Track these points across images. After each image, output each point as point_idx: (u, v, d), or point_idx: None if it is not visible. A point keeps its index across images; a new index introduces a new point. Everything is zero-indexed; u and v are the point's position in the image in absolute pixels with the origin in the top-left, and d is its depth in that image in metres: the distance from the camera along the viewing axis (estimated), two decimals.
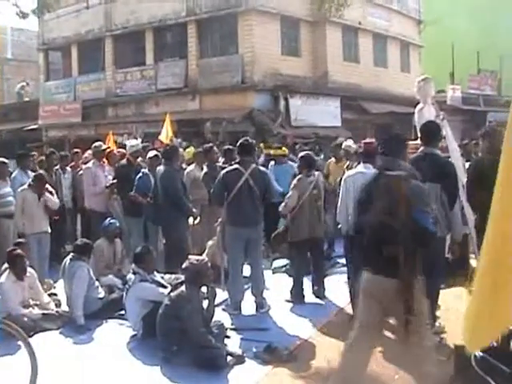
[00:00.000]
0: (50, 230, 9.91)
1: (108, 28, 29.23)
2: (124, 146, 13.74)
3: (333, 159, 12.02)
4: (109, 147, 12.82)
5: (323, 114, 26.13)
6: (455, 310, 7.62)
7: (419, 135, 10.94)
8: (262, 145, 14.68)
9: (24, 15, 15.94)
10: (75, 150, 13.64)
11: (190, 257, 6.92)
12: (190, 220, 9.81)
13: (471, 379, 3.27)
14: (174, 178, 9.27)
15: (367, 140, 8.80)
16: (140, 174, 10.14)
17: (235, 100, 24.43)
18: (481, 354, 3.26)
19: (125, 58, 28.59)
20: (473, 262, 9.55)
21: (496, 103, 36.39)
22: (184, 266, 6.71)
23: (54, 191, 10.16)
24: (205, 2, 25.72)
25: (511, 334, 3.26)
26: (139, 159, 11.02)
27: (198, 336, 6.27)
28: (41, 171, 10.47)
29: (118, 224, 9.78)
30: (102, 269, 9.11)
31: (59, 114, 29.77)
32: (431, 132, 6.90)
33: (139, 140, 11.80)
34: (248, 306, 8.26)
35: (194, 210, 9.67)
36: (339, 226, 7.79)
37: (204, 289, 6.81)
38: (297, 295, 8.69)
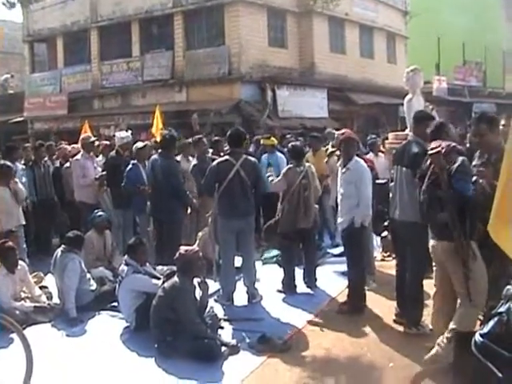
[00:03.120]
0: (24, 223, 9.91)
1: (94, 19, 29.05)
2: (110, 138, 13.73)
3: (310, 151, 11.97)
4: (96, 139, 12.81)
5: (310, 105, 26.21)
6: None
7: (408, 125, 11.02)
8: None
9: (11, 5, 15.81)
10: (50, 142, 13.55)
11: (181, 247, 6.92)
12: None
13: (471, 365, 3.32)
14: (175, 169, 9.23)
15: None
16: (130, 166, 10.07)
17: (222, 91, 24.39)
18: (481, 339, 3.30)
19: (111, 49, 28.43)
20: None
21: (481, 94, 36.70)
22: (176, 256, 6.71)
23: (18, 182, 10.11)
24: None
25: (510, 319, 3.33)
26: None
27: (192, 327, 6.29)
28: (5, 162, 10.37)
29: (106, 216, 9.74)
30: (92, 261, 9.07)
31: (45, 106, 29.56)
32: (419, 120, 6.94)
33: (129, 132, 11.71)
34: (240, 296, 8.26)
35: (195, 200, 9.68)
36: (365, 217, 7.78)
37: (196, 280, 6.81)
38: (288, 285, 8.72)
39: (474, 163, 5.95)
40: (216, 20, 25.33)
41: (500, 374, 3.13)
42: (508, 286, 3.55)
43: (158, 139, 12.57)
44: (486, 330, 3.35)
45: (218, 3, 24.90)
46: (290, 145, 9.38)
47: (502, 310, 3.40)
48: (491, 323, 3.37)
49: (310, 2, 25.41)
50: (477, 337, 3.35)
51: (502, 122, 7.36)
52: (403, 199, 6.59)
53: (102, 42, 29.01)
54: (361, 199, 7.61)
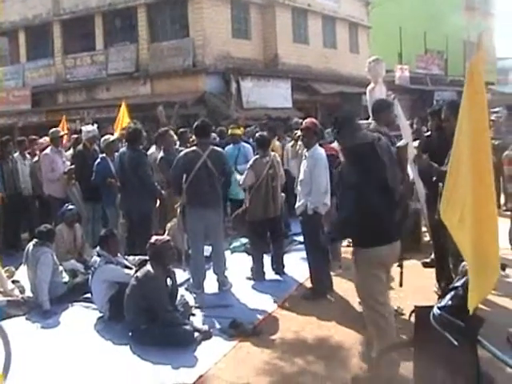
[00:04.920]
0: None
1: (56, 13, 28.81)
2: (78, 132, 13.75)
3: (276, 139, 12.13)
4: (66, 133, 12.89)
5: (274, 95, 26.42)
6: (410, 282, 7.99)
7: (370, 114, 11.25)
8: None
9: None
10: (33, 136, 13.50)
11: (152, 237, 7.09)
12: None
13: (430, 336, 3.58)
14: (143, 162, 9.38)
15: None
16: (98, 160, 10.19)
17: (187, 83, 24.49)
18: (438, 311, 3.57)
19: (74, 43, 28.29)
20: (425, 236, 9.99)
21: (443, 82, 37.28)
22: (147, 246, 6.88)
23: None
24: None
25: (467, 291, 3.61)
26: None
27: (165, 314, 6.47)
28: None
29: (76, 209, 9.85)
30: (63, 254, 9.17)
31: (8, 100, 29.20)
32: (379, 109, 7.15)
33: (95, 126, 11.78)
34: (210, 284, 8.44)
35: (163, 191, 9.83)
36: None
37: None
38: (257, 272, 8.93)
39: None
40: (180, 12, 25.37)
41: (456, 343, 3.40)
42: (463, 263, 3.81)
43: (118, 134, 12.70)
44: (443, 303, 3.62)
45: None
46: (257, 134, 9.54)
47: (458, 284, 3.67)
48: (448, 297, 3.64)
49: None
50: (435, 310, 3.62)
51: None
52: None
53: (65, 36, 28.80)
54: (313, 186, 7.83)
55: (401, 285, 5.58)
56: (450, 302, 3.59)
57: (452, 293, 3.65)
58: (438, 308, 3.60)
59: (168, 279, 6.91)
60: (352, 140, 5.21)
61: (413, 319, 6.17)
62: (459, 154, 3.49)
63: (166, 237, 7.26)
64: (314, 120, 8.71)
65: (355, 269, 5.34)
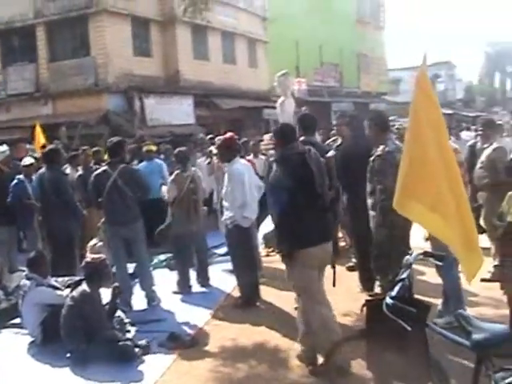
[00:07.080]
0: None
1: None
2: None
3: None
4: None
5: (177, 112, 26.67)
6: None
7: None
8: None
9: None
10: None
11: (87, 255, 7.11)
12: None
13: (383, 325, 3.91)
14: (64, 182, 9.34)
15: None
16: (15, 181, 10.03)
17: (89, 103, 24.27)
18: (391, 301, 3.91)
19: None
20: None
21: (339, 94, 38.66)
22: (83, 264, 6.89)
23: None
24: (54, 3, 25.25)
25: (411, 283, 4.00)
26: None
27: (105, 332, 6.50)
28: None
29: None
30: None
31: None
32: (309, 122, 7.54)
33: (5, 147, 11.53)
34: (139, 301, 8.48)
35: (85, 211, 9.77)
36: None
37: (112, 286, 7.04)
38: (184, 286, 9.07)
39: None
40: (80, 31, 25.15)
41: (409, 328, 3.76)
42: (406, 257, 4.21)
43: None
44: (394, 293, 3.98)
45: (81, 14, 24.73)
46: (176, 150, 9.69)
47: (403, 276, 4.06)
48: (397, 288, 4.02)
49: (179, 12, 25.74)
50: (387, 300, 3.97)
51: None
52: None
53: None
54: (232, 201, 8.04)
55: (334, 285, 5.91)
56: (398, 293, 3.95)
57: (400, 284, 4.02)
58: (391, 297, 3.95)
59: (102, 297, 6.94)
60: (286, 150, 5.65)
61: (347, 319, 6.66)
62: (421, 152, 3.88)
63: (101, 255, 7.26)
64: (230, 136, 8.80)
65: (291, 271, 5.64)
